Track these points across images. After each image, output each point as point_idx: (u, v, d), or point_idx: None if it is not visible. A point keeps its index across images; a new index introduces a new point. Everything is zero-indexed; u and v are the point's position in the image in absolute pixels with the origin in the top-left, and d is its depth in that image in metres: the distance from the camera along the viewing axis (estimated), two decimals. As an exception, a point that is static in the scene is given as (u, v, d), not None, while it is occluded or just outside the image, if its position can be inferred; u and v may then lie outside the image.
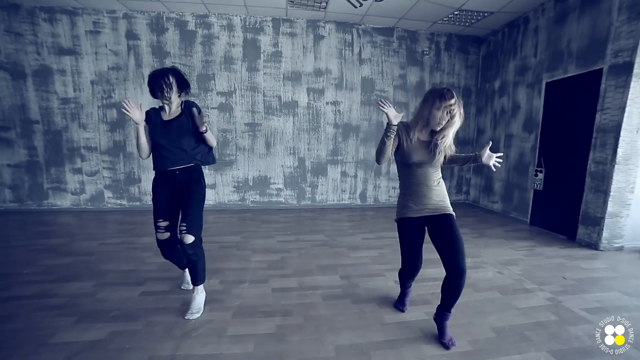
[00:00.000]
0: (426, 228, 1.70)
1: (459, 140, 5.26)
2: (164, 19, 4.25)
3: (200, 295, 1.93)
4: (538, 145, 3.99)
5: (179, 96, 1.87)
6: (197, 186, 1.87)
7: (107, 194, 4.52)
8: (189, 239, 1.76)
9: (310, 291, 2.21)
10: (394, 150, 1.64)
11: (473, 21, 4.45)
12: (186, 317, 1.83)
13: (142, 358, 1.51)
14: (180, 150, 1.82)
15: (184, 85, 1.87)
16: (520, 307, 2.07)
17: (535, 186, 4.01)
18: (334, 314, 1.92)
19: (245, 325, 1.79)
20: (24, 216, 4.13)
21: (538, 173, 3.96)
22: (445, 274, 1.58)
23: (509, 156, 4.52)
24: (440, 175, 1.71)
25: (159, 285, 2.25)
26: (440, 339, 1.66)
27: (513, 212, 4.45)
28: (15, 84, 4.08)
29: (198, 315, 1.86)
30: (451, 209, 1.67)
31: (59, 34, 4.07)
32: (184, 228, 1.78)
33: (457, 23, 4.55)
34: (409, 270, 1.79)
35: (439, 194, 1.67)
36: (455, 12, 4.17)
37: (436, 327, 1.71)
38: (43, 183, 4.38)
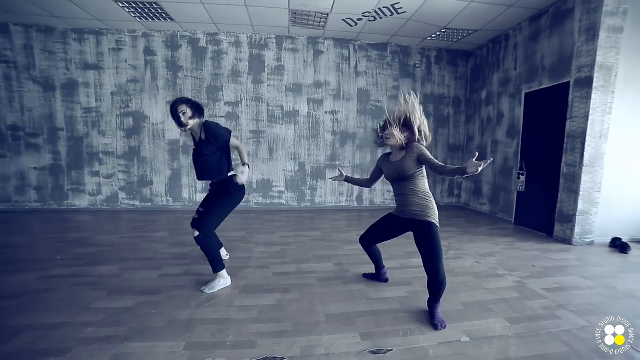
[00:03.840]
0: (412, 233, 1.93)
1: (450, 147, 5.61)
2: (179, 36, 4.71)
3: (216, 280, 2.24)
4: (520, 150, 4.32)
5: (196, 119, 2.13)
6: (221, 196, 2.24)
7: (122, 195, 4.90)
8: (195, 232, 2.14)
9: (307, 275, 2.54)
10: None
11: (460, 37, 4.87)
12: (201, 290, 2.17)
13: (166, 320, 1.83)
14: (202, 167, 2.19)
15: (197, 111, 2.13)
16: (490, 287, 2.37)
17: (518, 188, 4.33)
18: (326, 292, 2.24)
19: (250, 299, 2.12)
20: (47, 214, 4.50)
21: (520, 176, 4.29)
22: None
23: (495, 161, 4.85)
24: (418, 187, 1.89)
25: (175, 269, 2.58)
26: (432, 320, 1.84)
27: (500, 213, 4.75)
28: (46, 95, 4.53)
29: (211, 292, 2.18)
30: (432, 217, 1.83)
31: (86, 51, 4.54)
32: (195, 223, 2.15)
33: (445, 39, 4.96)
34: (363, 240, 2.26)
35: (415, 202, 1.88)
36: (443, 30, 4.59)
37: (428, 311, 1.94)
38: (64, 185, 4.77)
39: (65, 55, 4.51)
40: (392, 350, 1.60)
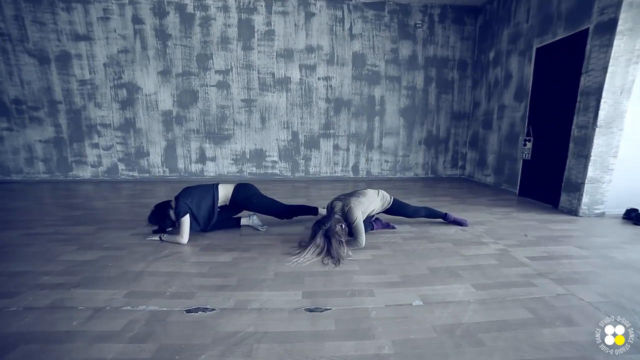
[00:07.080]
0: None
1: (453, 114, 5.21)
2: (165, 3, 4.57)
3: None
4: (527, 114, 3.91)
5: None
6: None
7: (121, 166, 5.05)
8: None
9: (274, 236, 2.48)
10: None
11: (467, -11, 4.35)
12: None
13: (119, 271, 1.86)
14: None
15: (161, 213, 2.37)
16: (467, 254, 2.19)
17: (524, 156, 3.95)
18: (286, 252, 2.17)
19: (208, 256, 2.10)
20: (54, 185, 4.74)
21: (527, 142, 3.90)
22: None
23: (501, 127, 4.45)
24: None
25: (147, 229, 2.60)
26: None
27: (504, 184, 4.42)
28: (42, 68, 4.63)
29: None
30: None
31: (75, 21, 4.54)
32: None
33: (451, -8, 4.46)
34: None
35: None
36: (446, -20, 4.11)
37: None
38: (68, 157, 4.98)
39: (56, 26, 4.53)
40: (330, 309, 1.51)
